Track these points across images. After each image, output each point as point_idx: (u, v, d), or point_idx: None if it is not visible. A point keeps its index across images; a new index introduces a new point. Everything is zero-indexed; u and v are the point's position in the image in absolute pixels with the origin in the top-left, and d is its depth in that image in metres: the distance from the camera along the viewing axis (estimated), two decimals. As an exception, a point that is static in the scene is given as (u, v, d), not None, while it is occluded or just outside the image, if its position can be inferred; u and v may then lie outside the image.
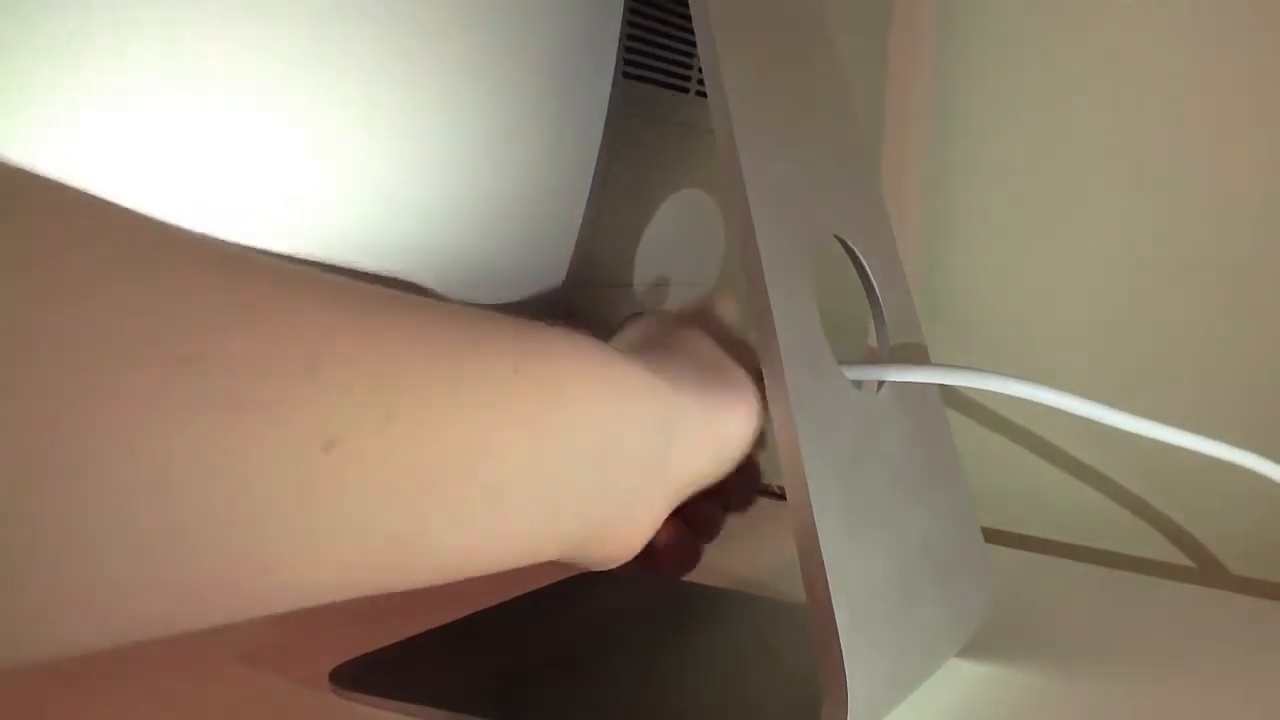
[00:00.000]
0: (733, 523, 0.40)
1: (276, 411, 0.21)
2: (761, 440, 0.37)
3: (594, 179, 0.54)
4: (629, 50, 0.54)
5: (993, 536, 0.59)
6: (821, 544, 0.32)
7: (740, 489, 0.39)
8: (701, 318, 0.40)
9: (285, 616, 0.23)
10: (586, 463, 0.30)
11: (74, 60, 0.33)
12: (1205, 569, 0.59)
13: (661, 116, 0.58)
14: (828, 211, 0.39)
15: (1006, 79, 0.62)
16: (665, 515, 0.35)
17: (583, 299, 0.55)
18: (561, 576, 0.49)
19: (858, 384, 0.38)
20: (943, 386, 0.45)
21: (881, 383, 0.39)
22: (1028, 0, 0.61)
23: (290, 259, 0.24)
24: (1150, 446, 0.43)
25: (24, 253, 0.18)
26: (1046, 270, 0.62)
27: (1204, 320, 0.58)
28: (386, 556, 0.25)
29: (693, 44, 0.58)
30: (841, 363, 0.36)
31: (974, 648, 0.42)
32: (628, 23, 0.54)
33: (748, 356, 0.38)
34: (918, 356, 0.43)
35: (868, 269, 0.41)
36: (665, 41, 0.57)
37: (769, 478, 0.39)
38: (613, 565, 0.34)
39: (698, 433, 0.35)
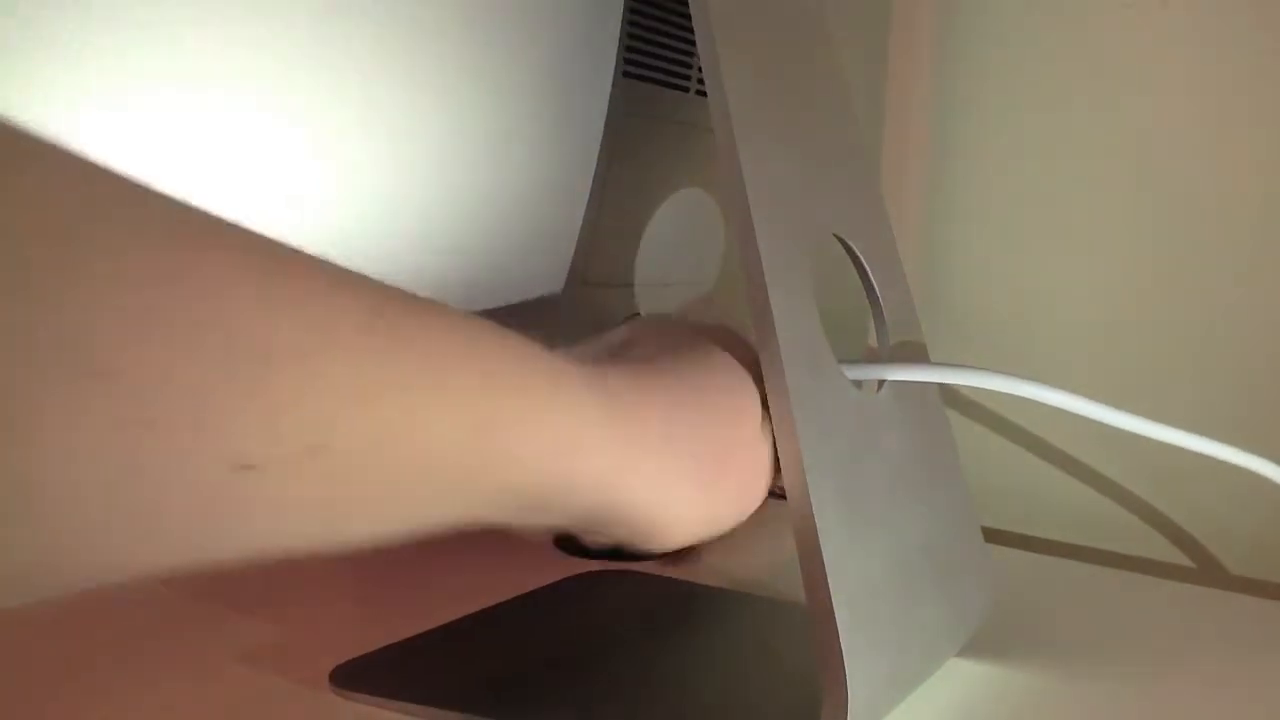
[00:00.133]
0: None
1: (189, 430, 0.21)
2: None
3: (594, 179, 0.54)
4: (629, 50, 0.54)
5: (993, 536, 0.59)
6: (821, 543, 0.32)
7: None
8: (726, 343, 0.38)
9: (285, 616, 0.23)
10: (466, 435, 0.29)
11: (74, 60, 0.33)
12: (1205, 569, 0.58)
13: (662, 116, 0.58)
14: (827, 211, 0.39)
15: (1006, 79, 0.62)
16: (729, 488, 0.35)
17: (583, 299, 0.55)
18: (561, 577, 0.49)
19: (858, 383, 0.38)
20: (943, 386, 0.45)
21: (881, 382, 0.39)
22: (1028, 0, 0.61)
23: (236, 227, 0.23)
24: (1150, 446, 0.43)
25: None
26: (1046, 270, 0.62)
27: (1204, 320, 0.58)
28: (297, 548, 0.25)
29: (693, 43, 0.58)
30: (841, 362, 0.36)
31: (974, 648, 0.42)
32: (628, 22, 0.54)
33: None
34: (918, 356, 0.43)
35: (868, 269, 0.41)
36: (665, 41, 0.57)
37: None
38: (662, 547, 0.35)
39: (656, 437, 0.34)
